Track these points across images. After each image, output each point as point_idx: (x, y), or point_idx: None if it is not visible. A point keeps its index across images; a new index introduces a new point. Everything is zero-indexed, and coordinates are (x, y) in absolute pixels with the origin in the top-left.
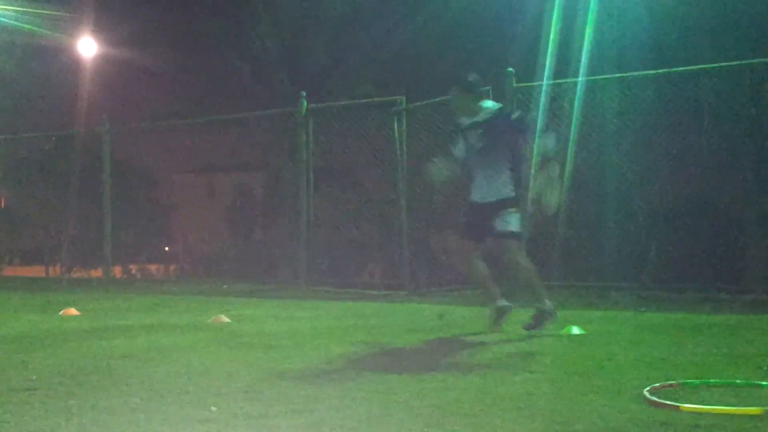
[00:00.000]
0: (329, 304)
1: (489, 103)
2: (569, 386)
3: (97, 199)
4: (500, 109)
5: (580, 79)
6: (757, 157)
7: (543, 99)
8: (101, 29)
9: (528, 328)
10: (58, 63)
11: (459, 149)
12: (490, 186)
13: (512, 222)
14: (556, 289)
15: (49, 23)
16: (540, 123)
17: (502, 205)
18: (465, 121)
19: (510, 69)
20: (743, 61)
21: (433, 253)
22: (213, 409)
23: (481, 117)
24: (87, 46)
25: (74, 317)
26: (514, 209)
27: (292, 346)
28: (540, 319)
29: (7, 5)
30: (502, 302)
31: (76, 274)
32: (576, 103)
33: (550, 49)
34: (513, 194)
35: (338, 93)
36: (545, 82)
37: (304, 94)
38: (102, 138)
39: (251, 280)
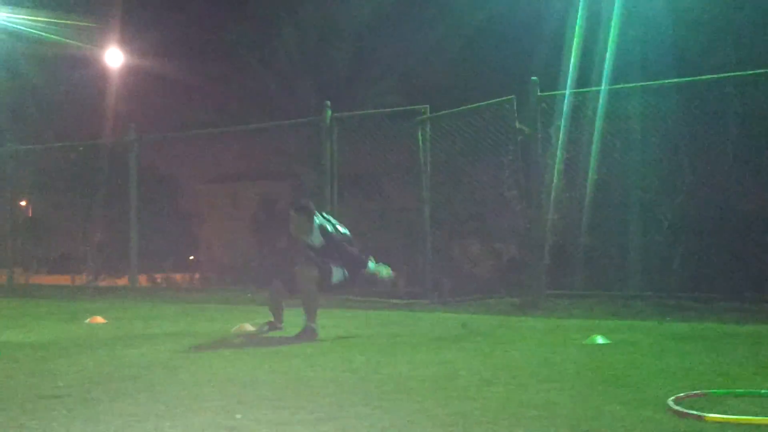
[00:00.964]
0: (353, 312)
1: (317, 230)
2: (593, 395)
3: (124, 208)
4: (337, 246)
5: (603, 87)
6: None
7: (566, 107)
8: (128, 40)
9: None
10: (85, 73)
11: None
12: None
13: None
14: (580, 298)
15: (77, 34)
16: (562, 131)
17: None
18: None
19: (534, 78)
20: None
21: (456, 261)
22: (237, 417)
23: (312, 243)
24: (114, 57)
25: (101, 325)
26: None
27: (316, 354)
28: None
29: (35, 16)
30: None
31: (102, 283)
32: (599, 112)
33: (573, 58)
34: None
35: (362, 102)
36: (568, 90)
37: (328, 103)
38: (128, 147)
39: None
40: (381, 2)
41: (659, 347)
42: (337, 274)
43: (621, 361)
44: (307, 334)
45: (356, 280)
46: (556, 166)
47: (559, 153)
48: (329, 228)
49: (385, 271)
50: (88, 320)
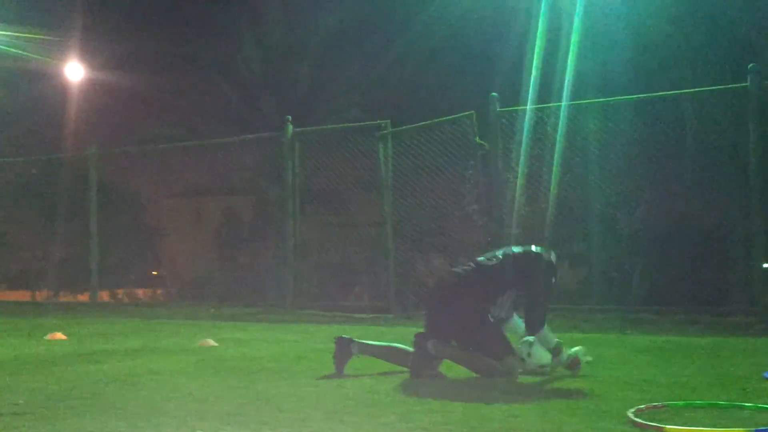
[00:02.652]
0: (316, 327)
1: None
2: (554, 408)
3: (84, 223)
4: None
5: (564, 103)
6: (740, 181)
7: (526, 123)
8: (89, 53)
9: None
10: (45, 87)
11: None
12: None
13: None
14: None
15: (37, 47)
16: (524, 147)
17: None
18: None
19: (493, 93)
20: (724, 86)
21: (419, 275)
22: None
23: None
24: (74, 71)
25: (61, 341)
26: None
27: (278, 369)
28: None
29: None
30: None
31: (62, 299)
32: (559, 127)
33: (533, 74)
34: None
35: (324, 117)
36: (529, 106)
37: (289, 118)
38: (89, 161)
39: (238, 303)
40: (342, 19)
41: (620, 360)
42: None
43: (582, 373)
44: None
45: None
46: (518, 181)
47: (520, 168)
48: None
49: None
50: (48, 336)
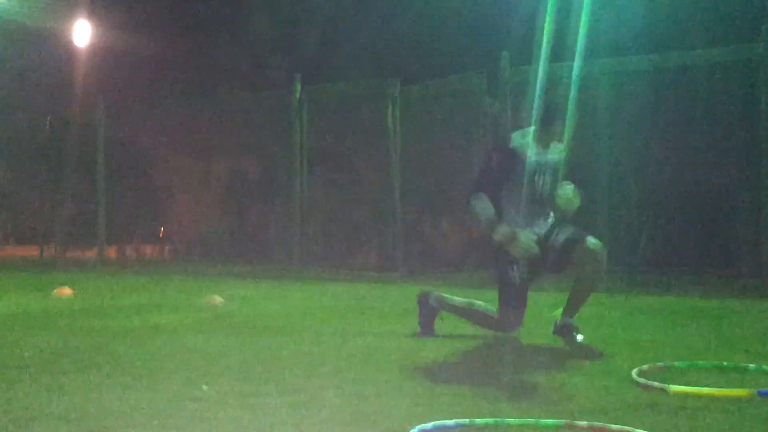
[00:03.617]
0: (323, 285)
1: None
2: (557, 367)
3: (92, 181)
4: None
5: (576, 62)
6: (749, 145)
7: (539, 83)
8: (97, 13)
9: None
10: (53, 47)
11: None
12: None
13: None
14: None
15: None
16: (536, 106)
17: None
18: (529, 149)
19: (504, 52)
20: (737, 50)
21: (426, 235)
22: (204, 387)
23: (554, 153)
24: (82, 31)
25: (68, 297)
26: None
27: (284, 326)
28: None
29: None
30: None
31: (70, 255)
32: (572, 87)
33: (546, 34)
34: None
35: (333, 76)
36: (542, 64)
37: (298, 77)
38: (96, 119)
39: (245, 261)
40: None
41: (626, 321)
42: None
43: (587, 334)
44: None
45: None
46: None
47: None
48: None
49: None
50: (55, 292)
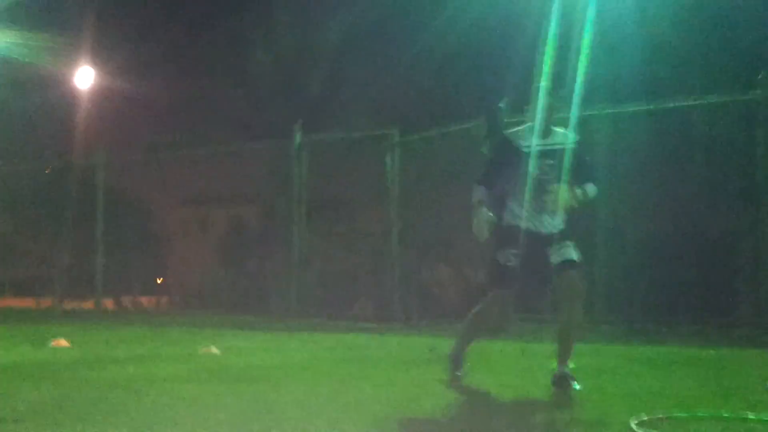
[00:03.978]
0: (320, 336)
1: (565, 131)
2: (557, 419)
3: (91, 231)
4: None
5: (574, 113)
6: (748, 191)
7: (536, 131)
8: (99, 60)
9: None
10: (55, 93)
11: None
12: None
13: (574, 251)
14: (548, 322)
15: (47, 53)
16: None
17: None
18: (527, 140)
19: (501, 104)
20: (735, 97)
21: (425, 285)
22: None
23: (556, 143)
24: (84, 77)
25: (65, 348)
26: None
27: (281, 377)
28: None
29: (5, 36)
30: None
31: (68, 306)
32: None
33: (543, 83)
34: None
35: (333, 125)
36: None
37: (298, 126)
38: (96, 169)
39: (243, 312)
40: (352, 27)
41: (624, 371)
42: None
43: (586, 384)
44: (563, 381)
45: None
46: (527, 192)
47: (529, 178)
48: None
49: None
50: (52, 343)
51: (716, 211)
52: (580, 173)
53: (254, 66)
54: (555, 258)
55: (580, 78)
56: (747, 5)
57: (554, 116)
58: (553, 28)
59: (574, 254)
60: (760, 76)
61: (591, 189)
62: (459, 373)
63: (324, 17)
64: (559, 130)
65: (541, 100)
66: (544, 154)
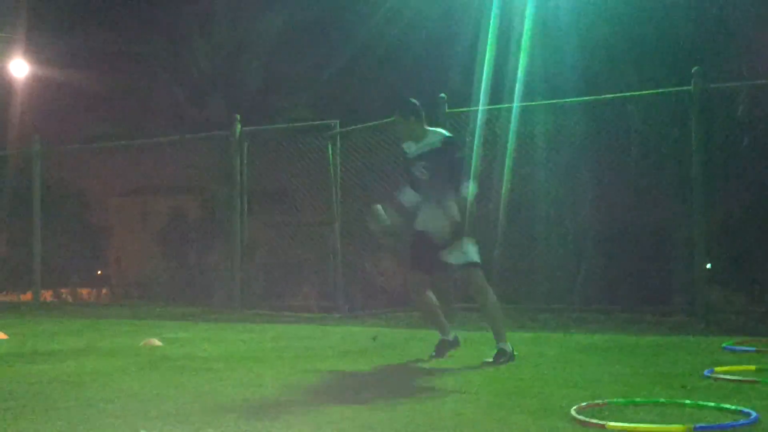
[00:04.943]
0: (263, 327)
1: (436, 130)
2: (498, 406)
3: (28, 221)
4: (449, 138)
5: (515, 105)
6: (682, 183)
7: (478, 125)
8: (33, 50)
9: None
10: None
11: (408, 196)
12: (437, 216)
13: (471, 251)
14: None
15: None
16: (475, 147)
17: (453, 235)
18: (411, 148)
19: (442, 94)
20: (668, 89)
21: (367, 275)
22: None
23: (426, 144)
24: (19, 67)
25: (1, 341)
26: (468, 238)
27: (224, 369)
28: (499, 357)
29: None
30: (451, 336)
31: (4, 298)
32: (512, 128)
33: (485, 76)
34: (460, 221)
35: (273, 116)
36: (481, 107)
37: (238, 117)
38: (33, 159)
39: (185, 303)
40: (292, 18)
41: (564, 359)
42: (477, 253)
43: (527, 372)
44: (501, 356)
45: None
46: (472, 183)
47: (473, 168)
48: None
49: None
50: None
51: (652, 201)
52: (452, 172)
53: (193, 58)
54: (454, 259)
55: (521, 71)
56: (682, 1)
57: (424, 121)
58: (493, 23)
59: (471, 256)
60: (694, 70)
61: (466, 189)
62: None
63: (264, 8)
64: (434, 130)
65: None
66: (419, 157)
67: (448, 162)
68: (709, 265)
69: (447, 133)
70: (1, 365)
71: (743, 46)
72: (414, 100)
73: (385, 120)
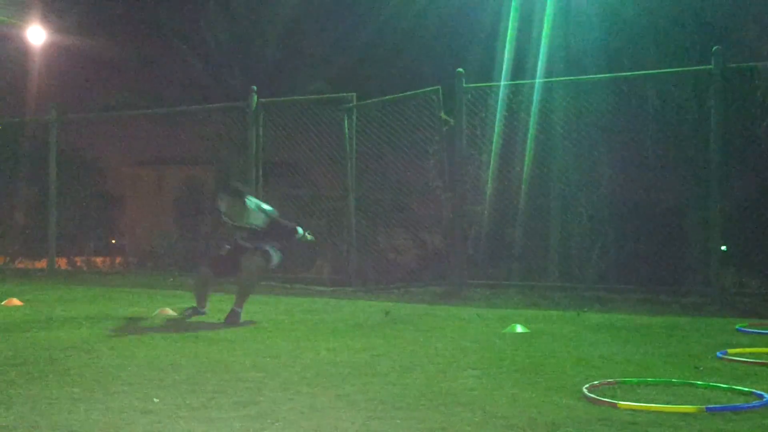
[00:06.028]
0: (276, 299)
1: (259, 210)
2: (510, 383)
3: (44, 190)
4: (274, 220)
5: (537, 80)
6: (699, 162)
7: (494, 100)
8: (52, 17)
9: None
10: (6, 50)
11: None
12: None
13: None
14: (501, 288)
15: None
16: (498, 120)
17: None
18: (228, 214)
19: (460, 69)
20: (688, 68)
21: (381, 250)
22: (155, 400)
23: (248, 223)
24: (36, 34)
25: (17, 307)
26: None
27: (238, 339)
28: (232, 317)
29: None
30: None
31: (20, 265)
32: (534, 105)
33: (507, 52)
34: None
35: (290, 89)
36: (500, 83)
37: (255, 88)
38: (48, 127)
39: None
40: None
41: (576, 337)
42: (276, 256)
43: (539, 349)
44: (234, 317)
45: (292, 249)
46: (482, 158)
47: (494, 145)
48: (263, 207)
49: (309, 235)
50: (4, 302)
51: (669, 181)
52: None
53: (211, 29)
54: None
55: (543, 47)
56: None
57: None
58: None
59: (260, 257)
60: (714, 49)
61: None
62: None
63: None
64: (256, 211)
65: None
66: (239, 228)
67: (271, 236)
68: (724, 248)
69: (272, 214)
70: (16, 332)
71: (764, 25)
72: (237, 185)
73: (401, 95)
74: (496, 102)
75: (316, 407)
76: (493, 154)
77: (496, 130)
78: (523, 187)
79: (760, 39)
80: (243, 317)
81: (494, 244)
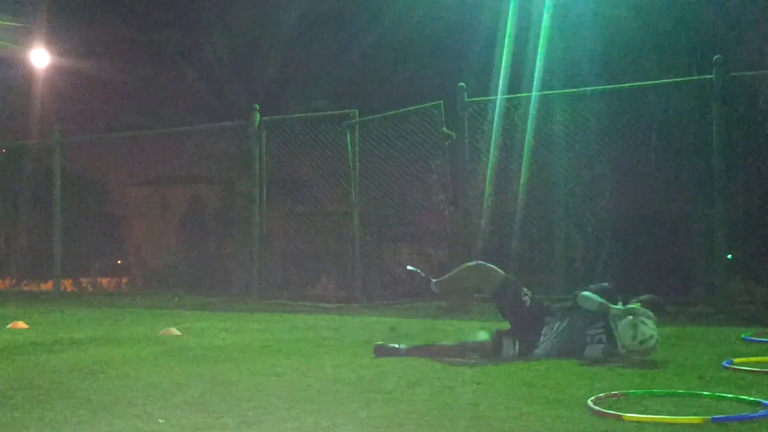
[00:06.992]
0: (281, 316)
1: None
2: (515, 396)
3: (48, 212)
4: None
5: (534, 94)
6: (703, 172)
7: (497, 114)
8: (55, 40)
9: None
10: (9, 74)
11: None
12: None
13: None
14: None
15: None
16: (494, 136)
17: None
18: None
19: (461, 83)
20: (689, 78)
21: (386, 265)
22: (160, 421)
23: None
24: (40, 57)
25: (22, 330)
26: None
27: (241, 358)
28: None
29: None
30: None
31: (25, 288)
32: (531, 117)
33: (503, 65)
34: None
35: (292, 106)
36: (499, 96)
37: (257, 106)
38: (53, 149)
39: (203, 293)
40: (311, 8)
41: None
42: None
43: (543, 362)
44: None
45: None
46: (488, 172)
47: (490, 159)
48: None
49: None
50: (9, 325)
51: (672, 191)
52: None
53: (212, 48)
54: None
55: (539, 59)
56: None
57: None
58: (512, 12)
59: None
60: (715, 58)
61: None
62: None
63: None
64: None
65: None
66: None
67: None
68: (729, 256)
69: None
70: (22, 354)
71: (765, 34)
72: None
73: (403, 110)
74: (498, 116)
75: (321, 425)
76: (489, 168)
77: (493, 143)
78: (519, 196)
79: (761, 48)
80: (252, 337)
81: (498, 257)
